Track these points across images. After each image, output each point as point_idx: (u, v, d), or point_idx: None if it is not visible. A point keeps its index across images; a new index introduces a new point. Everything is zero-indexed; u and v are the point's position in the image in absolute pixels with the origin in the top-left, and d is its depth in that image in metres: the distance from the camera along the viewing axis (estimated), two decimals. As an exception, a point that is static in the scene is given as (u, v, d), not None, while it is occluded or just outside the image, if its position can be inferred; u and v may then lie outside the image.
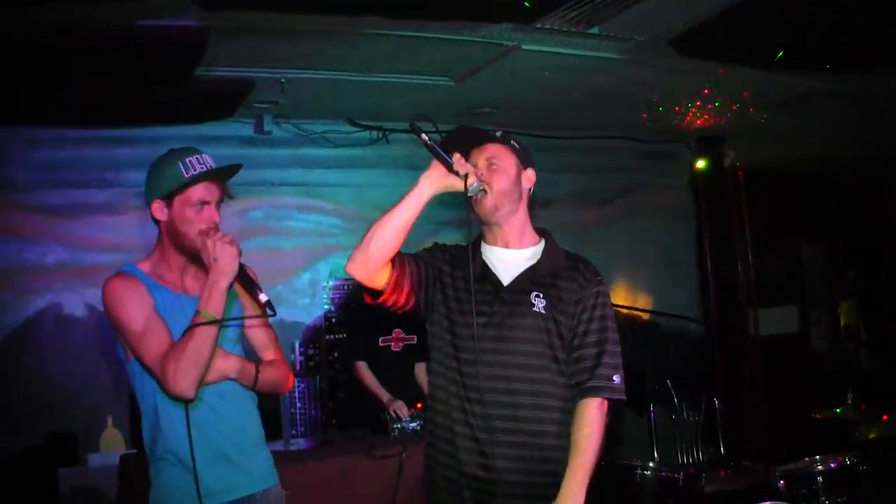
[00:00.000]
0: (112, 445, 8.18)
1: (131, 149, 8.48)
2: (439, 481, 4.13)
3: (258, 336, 4.45)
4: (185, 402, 3.91)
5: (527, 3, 5.98)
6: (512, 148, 4.32)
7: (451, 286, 4.20)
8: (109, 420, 8.22)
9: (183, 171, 3.96)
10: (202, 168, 4.01)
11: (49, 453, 8.09)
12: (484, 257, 4.25)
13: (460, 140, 4.26)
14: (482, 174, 4.15)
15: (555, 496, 3.92)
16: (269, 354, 4.43)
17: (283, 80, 7.56)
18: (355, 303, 9.34)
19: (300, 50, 6.86)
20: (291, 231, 9.34)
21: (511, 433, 4.01)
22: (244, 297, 4.28)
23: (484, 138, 4.28)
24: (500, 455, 3.99)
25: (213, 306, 3.88)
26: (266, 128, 8.82)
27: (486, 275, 4.18)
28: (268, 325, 4.44)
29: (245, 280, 4.10)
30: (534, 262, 4.27)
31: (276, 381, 4.42)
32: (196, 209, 4.00)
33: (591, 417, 4.12)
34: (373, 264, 3.99)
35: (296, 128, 9.04)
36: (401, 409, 7.70)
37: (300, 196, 9.37)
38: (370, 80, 7.76)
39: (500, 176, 4.21)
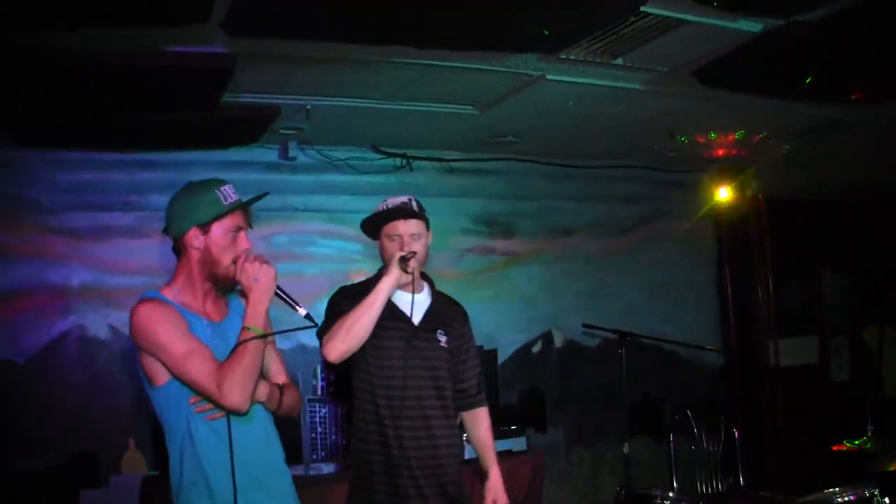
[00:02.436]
0: (134, 467, 8.22)
1: (156, 173, 8.53)
2: (381, 476, 5.07)
3: (273, 362, 4.50)
4: (228, 424, 4.01)
5: (546, 32, 6.01)
6: (426, 220, 5.38)
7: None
8: (132, 442, 8.26)
9: (221, 199, 4.09)
10: (234, 197, 4.16)
11: (71, 474, 8.13)
12: (392, 300, 5.21)
13: (395, 215, 5.27)
14: (407, 243, 5.21)
15: (448, 474, 5.20)
16: (280, 378, 4.48)
17: (308, 106, 7.59)
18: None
19: (326, 77, 6.90)
20: (314, 257, 9.35)
21: (426, 440, 5.15)
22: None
23: (411, 215, 5.27)
24: (417, 457, 5.09)
25: (259, 322, 4.04)
26: (290, 154, 8.84)
27: (399, 315, 5.21)
28: (277, 351, 4.54)
29: (283, 297, 4.26)
30: (428, 302, 5.39)
31: (294, 404, 4.51)
32: (232, 236, 4.13)
33: (488, 419, 5.60)
34: (352, 351, 4.99)
35: (320, 154, 9.08)
36: None
37: (323, 222, 9.39)
38: (395, 107, 7.79)
39: (420, 245, 5.27)
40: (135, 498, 7.70)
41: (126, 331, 7.73)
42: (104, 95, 6.64)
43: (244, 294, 4.18)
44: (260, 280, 4.07)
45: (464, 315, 5.60)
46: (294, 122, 8.03)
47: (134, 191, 8.60)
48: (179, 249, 4.18)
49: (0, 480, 7.91)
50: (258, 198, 4.28)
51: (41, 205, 8.31)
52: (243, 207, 4.21)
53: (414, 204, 5.32)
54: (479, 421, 5.57)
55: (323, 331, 4.98)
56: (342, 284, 5.48)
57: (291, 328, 4.43)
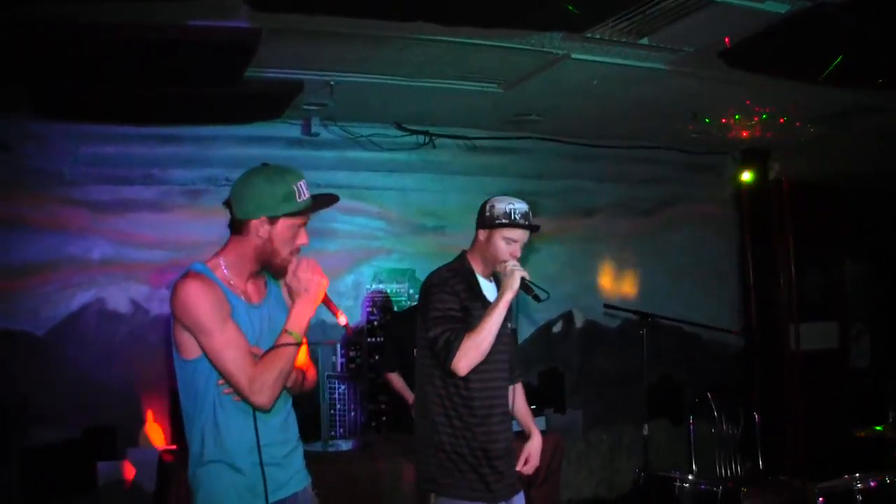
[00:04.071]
0: (151, 440, 8.24)
1: (178, 147, 8.58)
2: (467, 457, 5.25)
3: None
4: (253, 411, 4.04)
5: (571, 8, 5.97)
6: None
7: (472, 315, 5.25)
8: (149, 415, 8.28)
9: (296, 195, 4.07)
10: (307, 195, 4.15)
11: (88, 446, 8.17)
12: (483, 290, 5.45)
13: (523, 225, 5.40)
14: (517, 250, 5.43)
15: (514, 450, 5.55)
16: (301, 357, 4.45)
17: (332, 82, 7.57)
18: (390, 315, 9.37)
19: (350, 53, 6.88)
20: (336, 233, 9.36)
21: (506, 416, 5.51)
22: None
23: (532, 230, 5.48)
24: (502, 431, 5.40)
25: (301, 329, 4.07)
26: (313, 130, 8.85)
27: (487, 303, 5.30)
28: None
29: (328, 305, 4.28)
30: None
31: (313, 384, 4.56)
32: (295, 231, 4.13)
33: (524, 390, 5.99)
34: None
35: (343, 130, 9.09)
36: None
37: (345, 198, 9.16)
38: (418, 84, 7.78)
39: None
40: (151, 471, 7.72)
41: (146, 304, 7.76)
42: (126, 69, 6.64)
43: (290, 293, 4.19)
44: (310, 291, 4.12)
45: None
46: (317, 97, 8.02)
47: (156, 165, 8.62)
48: (239, 229, 4.13)
49: (18, 451, 7.94)
50: (331, 202, 4.29)
51: (63, 177, 8.33)
52: (314, 210, 4.20)
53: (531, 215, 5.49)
54: (518, 392, 5.82)
55: (446, 342, 5.13)
56: (432, 271, 5.50)
57: (327, 341, 4.50)
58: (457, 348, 5.05)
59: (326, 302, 4.24)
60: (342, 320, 4.30)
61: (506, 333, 5.44)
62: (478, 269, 5.48)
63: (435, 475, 5.26)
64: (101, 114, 7.94)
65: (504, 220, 5.34)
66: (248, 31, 6.11)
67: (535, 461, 5.70)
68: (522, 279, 5.18)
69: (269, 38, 6.24)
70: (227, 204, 4.15)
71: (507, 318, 5.37)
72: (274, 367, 3.95)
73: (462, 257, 5.56)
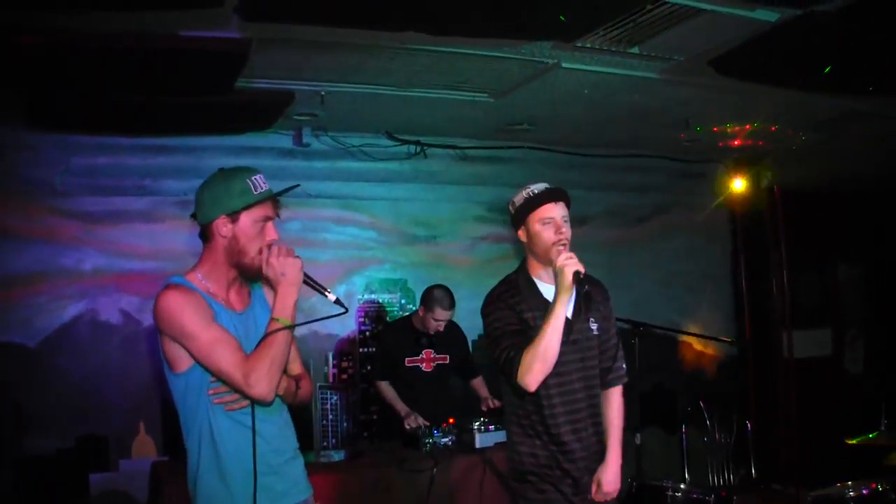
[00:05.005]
0: (144, 451, 8.25)
1: (170, 157, 8.57)
2: (548, 476, 5.05)
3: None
4: (252, 415, 4.04)
5: (562, 17, 5.98)
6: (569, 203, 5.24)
7: (531, 326, 4.99)
8: (142, 426, 8.29)
9: (252, 188, 4.05)
10: (265, 187, 4.12)
11: (81, 457, 8.15)
12: (545, 296, 5.10)
13: (547, 198, 5.13)
14: (561, 227, 5.08)
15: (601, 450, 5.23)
16: (295, 368, 4.48)
17: (323, 92, 7.57)
18: (382, 325, 9.39)
19: (341, 63, 6.88)
20: (328, 243, 9.36)
21: (592, 428, 5.21)
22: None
23: (562, 197, 5.19)
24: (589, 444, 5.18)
25: (288, 313, 4.03)
26: (305, 140, 8.83)
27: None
28: (294, 341, 4.42)
29: (311, 284, 4.24)
30: (573, 290, 4.87)
31: (307, 395, 4.54)
32: (260, 226, 4.10)
33: (620, 398, 5.43)
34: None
35: (334, 140, 9.07)
36: (416, 420, 7.76)
37: (337, 208, 9.38)
38: (409, 94, 7.76)
39: (568, 228, 5.14)
40: (144, 482, 7.71)
41: (137, 315, 7.75)
42: (118, 78, 6.64)
43: (271, 285, 4.18)
44: (286, 274, 4.06)
45: (605, 293, 5.50)
46: (308, 107, 8.02)
47: (147, 175, 8.62)
48: (206, 236, 4.15)
49: (11, 462, 7.94)
50: (289, 189, 4.25)
51: (55, 188, 8.33)
52: (273, 198, 4.17)
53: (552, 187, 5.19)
54: (611, 400, 5.41)
55: (507, 360, 4.91)
56: (490, 289, 5.35)
57: (322, 317, 4.44)
58: (518, 363, 4.80)
59: (308, 282, 4.21)
60: (331, 296, 4.22)
61: (588, 337, 5.19)
62: (536, 273, 5.22)
63: (521, 497, 5.12)
64: (93, 124, 7.93)
65: (528, 205, 5.10)
66: (238, 42, 6.10)
67: (609, 487, 5.20)
68: (576, 273, 4.76)
69: (259, 49, 6.24)
70: (194, 216, 4.17)
71: (588, 318, 5.18)
72: (266, 355, 3.93)
73: (519, 267, 5.32)
